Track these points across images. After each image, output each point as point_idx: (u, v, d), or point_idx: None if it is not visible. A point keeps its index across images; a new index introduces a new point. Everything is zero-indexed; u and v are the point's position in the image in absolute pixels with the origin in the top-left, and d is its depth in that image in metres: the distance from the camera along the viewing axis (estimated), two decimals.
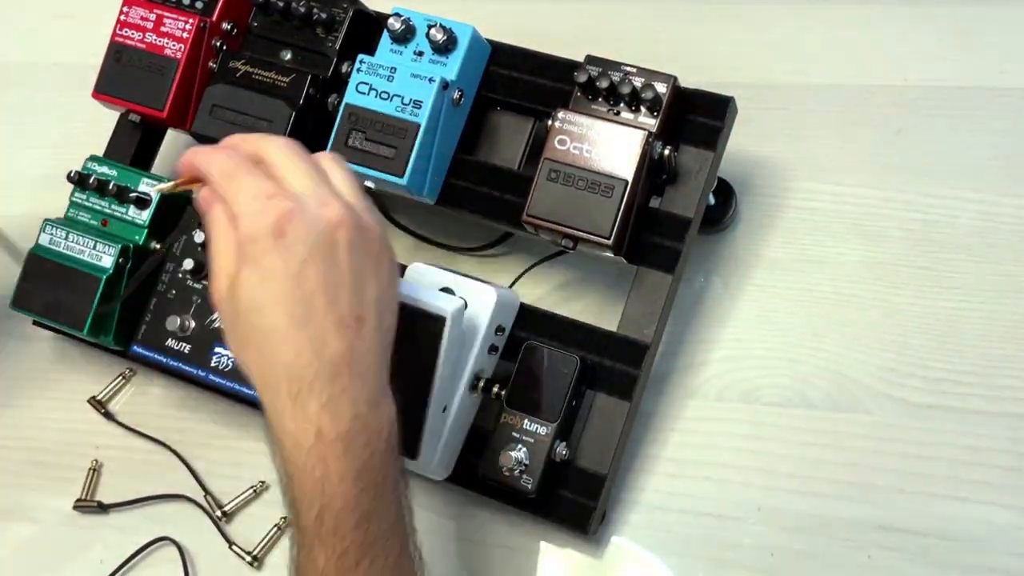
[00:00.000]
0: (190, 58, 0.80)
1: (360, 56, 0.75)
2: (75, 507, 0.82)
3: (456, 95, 0.74)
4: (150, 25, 0.81)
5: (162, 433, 0.84)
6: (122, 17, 0.82)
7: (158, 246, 0.79)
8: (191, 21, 0.80)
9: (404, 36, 0.75)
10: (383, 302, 0.57)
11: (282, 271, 0.54)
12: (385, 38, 0.76)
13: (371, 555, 0.55)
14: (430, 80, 0.72)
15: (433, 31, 0.73)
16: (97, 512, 0.82)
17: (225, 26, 0.81)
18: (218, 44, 0.80)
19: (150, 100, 0.81)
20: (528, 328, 0.75)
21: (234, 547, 0.78)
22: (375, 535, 0.56)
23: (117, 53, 0.82)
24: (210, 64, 0.81)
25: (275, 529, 0.79)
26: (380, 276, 0.57)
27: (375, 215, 0.58)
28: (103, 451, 0.85)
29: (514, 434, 0.71)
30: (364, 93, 0.74)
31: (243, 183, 0.56)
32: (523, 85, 0.77)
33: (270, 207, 0.54)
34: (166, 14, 0.81)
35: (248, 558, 0.78)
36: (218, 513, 0.80)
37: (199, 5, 0.81)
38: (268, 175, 0.56)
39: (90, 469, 0.83)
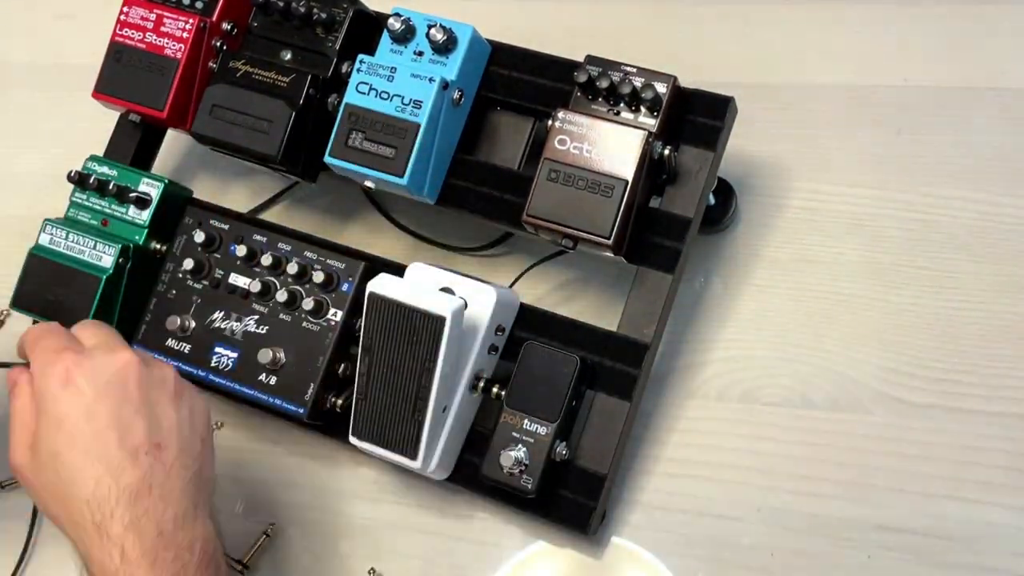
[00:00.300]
0: (190, 58, 0.80)
1: (360, 56, 0.75)
2: None
3: (456, 95, 0.74)
4: (150, 25, 0.81)
5: None
6: (122, 17, 0.82)
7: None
8: (191, 21, 0.80)
9: (404, 36, 0.75)
10: (185, 431, 0.62)
11: (74, 414, 0.59)
12: (385, 38, 0.76)
13: None
14: (430, 80, 0.72)
15: (433, 31, 0.73)
16: None
17: (225, 26, 0.81)
18: (218, 44, 0.80)
19: (150, 100, 0.81)
20: (528, 328, 0.75)
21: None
22: None
23: (117, 53, 0.82)
24: (210, 64, 0.81)
25: (263, 536, 0.79)
26: (179, 409, 0.62)
27: (165, 365, 0.65)
28: None
29: (514, 434, 0.71)
30: (364, 93, 0.74)
31: (41, 345, 0.63)
32: (523, 85, 0.76)
33: (58, 359, 0.61)
34: (166, 14, 0.81)
35: (238, 566, 0.77)
36: None
37: (199, 5, 0.81)
38: (67, 337, 0.64)
39: None
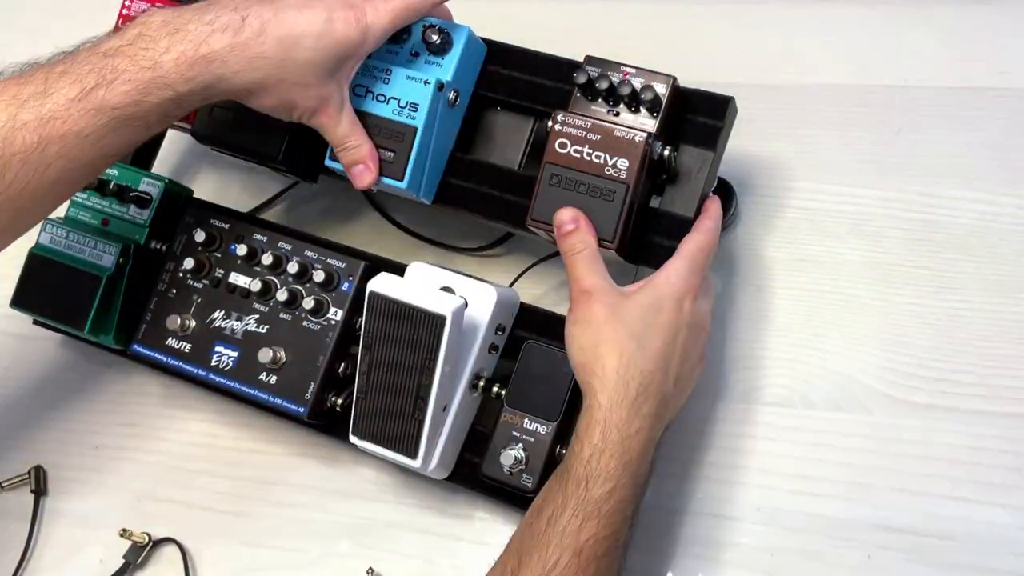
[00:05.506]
0: None
1: None
2: None
3: (452, 96, 0.74)
4: None
5: (162, 433, 0.84)
6: (124, 11, 0.82)
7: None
8: None
9: (400, 36, 0.74)
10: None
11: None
12: None
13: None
14: (425, 82, 0.72)
15: (428, 32, 0.73)
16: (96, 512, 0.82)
17: None
18: None
19: None
20: (528, 328, 0.75)
21: None
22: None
23: None
24: None
25: None
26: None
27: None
28: (102, 451, 0.85)
29: (514, 434, 0.71)
30: (361, 96, 0.73)
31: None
32: (523, 85, 0.76)
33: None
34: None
35: None
36: None
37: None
38: None
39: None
